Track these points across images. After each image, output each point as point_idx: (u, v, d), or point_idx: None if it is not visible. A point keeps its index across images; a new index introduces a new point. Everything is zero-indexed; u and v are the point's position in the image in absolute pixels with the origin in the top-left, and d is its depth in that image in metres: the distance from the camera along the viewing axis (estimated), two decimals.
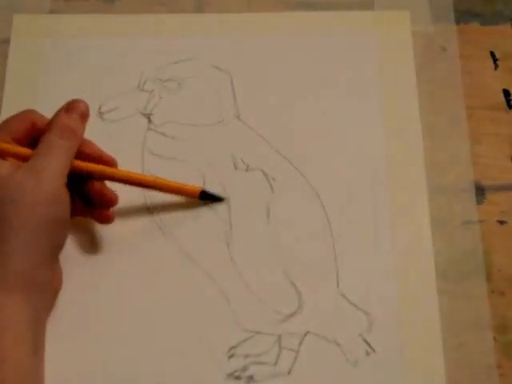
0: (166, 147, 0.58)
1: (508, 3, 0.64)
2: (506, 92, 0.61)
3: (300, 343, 0.52)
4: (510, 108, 0.61)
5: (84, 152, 0.52)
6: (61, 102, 0.59)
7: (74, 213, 0.52)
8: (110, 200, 0.53)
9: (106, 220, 0.54)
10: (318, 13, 0.63)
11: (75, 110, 0.51)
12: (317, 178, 0.57)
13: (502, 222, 0.57)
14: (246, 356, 0.52)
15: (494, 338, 0.53)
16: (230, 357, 0.52)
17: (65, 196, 0.49)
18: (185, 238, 0.55)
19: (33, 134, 0.51)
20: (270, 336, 0.52)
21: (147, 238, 0.55)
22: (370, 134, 0.59)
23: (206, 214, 0.55)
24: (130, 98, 0.60)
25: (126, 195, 0.56)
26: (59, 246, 0.50)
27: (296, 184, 0.57)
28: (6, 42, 0.61)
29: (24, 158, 0.49)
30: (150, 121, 0.59)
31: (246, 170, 0.57)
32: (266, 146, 0.58)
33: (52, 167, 0.48)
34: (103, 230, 0.55)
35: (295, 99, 0.60)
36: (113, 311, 0.53)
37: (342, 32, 0.62)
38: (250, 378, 0.51)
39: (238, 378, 0.51)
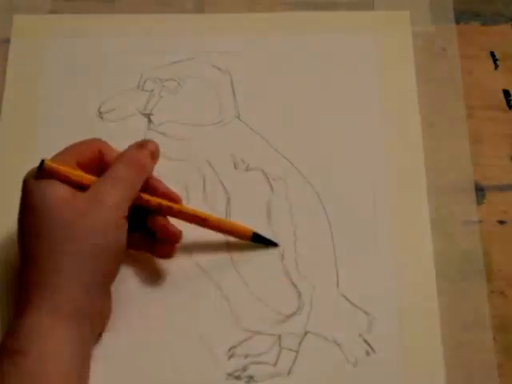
0: (165, 147, 0.58)
1: (508, 3, 0.64)
2: (505, 92, 0.61)
3: (300, 343, 0.52)
4: (509, 108, 0.61)
5: (151, 187, 0.52)
6: (61, 102, 0.59)
7: (130, 245, 0.51)
8: (173, 235, 0.52)
9: (167, 255, 0.53)
10: (318, 13, 0.63)
11: (147, 147, 0.52)
12: (317, 178, 0.57)
13: (501, 222, 0.57)
14: (246, 356, 0.52)
15: (494, 338, 0.53)
16: (230, 357, 0.52)
17: (123, 227, 0.49)
18: (185, 238, 0.55)
19: (98, 163, 0.51)
20: (270, 336, 0.52)
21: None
22: (370, 133, 0.59)
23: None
24: (130, 98, 0.60)
25: None
26: (112, 276, 0.50)
27: (296, 184, 0.57)
28: (6, 42, 0.61)
29: (85, 185, 0.49)
30: (150, 121, 0.59)
31: (246, 170, 0.57)
32: (265, 146, 0.58)
33: (115, 197, 0.48)
34: None
35: (295, 99, 0.60)
36: (112, 311, 0.53)
37: (342, 32, 0.62)
38: (250, 377, 0.51)
39: (237, 377, 0.51)
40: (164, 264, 0.54)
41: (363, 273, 0.54)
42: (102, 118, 0.59)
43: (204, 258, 0.54)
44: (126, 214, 0.49)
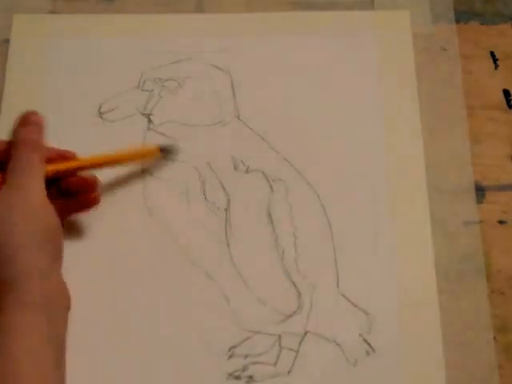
0: None
1: (508, 3, 0.64)
2: (505, 92, 0.61)
3: (300, 343, 0.52)
4: (509, 108, 0.61)
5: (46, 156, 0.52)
6: (61, 102, 0.59)
7: (62, 215, 0.52)
8: (91, 184, 0.53)
9: (95, 201, 0.54)
10: (318, 13, 0.63)
11: (31, 122, 0.52)
12: (317, 179, 0.57)
13: (501, 222, 0.57)
14: (246, 356, 0.52)
15: (494, 338, 0.53)
16: (230, 357, 0.52)
17: (50, 206, 0.50)
18: (185, 239, 0.55)
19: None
20: (270, 336, 0.52)
21: (147, 238, 0.55)
22: (369, 133, 0.59)
23: (206, 214, 0.55)
24: (130, 98, 0.60)
25: (125, 196, 0.56)
26: (60, 255, 0.50)
27: (296, 185, 0.57)
28: (6, 42, 0.61)
29: None
30: (149, 121, 0.59)
31: (247, 172, 0.57)
32: (266, 146, 0.58)
33: (32, 181, 0.49)
34: (103, 232, 0.55)
35: (295, 99, 0.60)
36: (112, 312, 0.53)
37: (342, 32, 0.62)
38: (250, 377, 0.51)
39: (237, 377, 0.51)
40: (164, 264, 0.54)
41: (363, 273, 0.54)
42: (102, 117, 0.59)
43: (204, 259, 0.54)
44: (45, 192, 0.50)
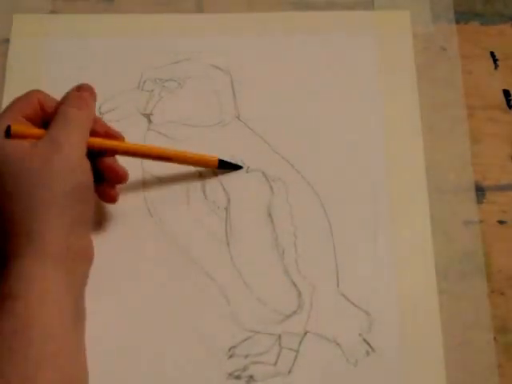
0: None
1: (508, 3, 0.64)
2: (505, 92, 0.61)
3: (300, 343, 0.52)
4: (509, 108, 0.61)
5: (93, 129, 0.52)
6: None
7: None
8: (120, 175, 0.53)
9: (111, 199, 0.54)
10: (318, 13, 0.63)
11: (85, 88, 0.53)
12: (317, 179, 0.57)
13: (501, 222, 0.57)
14: (246, 356, 0.52)
15: (494, 338, 0.53)
16: (230, 356, 0.52)
17: (87, 164, 0.50)
18: (185, 239, 0.55)
19: (41, 115, 0.52)
20: (270, 336, 0.52)
21: (147, 238, 0.55)
22: (370, 133, 0.59)
23: (206, 214, 0.55)
24: (130, 98, 0.60)
25: (125, 196, 0.56)
26: (89, 214, 0.51)
27: (296, 184, 0.57)
28: (6, 42, 0.61)
29: (38, 138, 0.49)
30: (150, 121, 0.59)
31: (247, 172, 0.57)
32: (266, 146, 0.58)
33: (73, 138, 0.49)
34: (103, 232, 0.55)
35: (295, 99, 0.60)
36: (112, 312, 0.53)
37: (342, 32, 0.62)
38: (250, 377, 0.51)
39: (238, 377, 0.51)
40: (164, 264, 0.54)
41: (363, 272, 0.54)
42: (102, 118, 0.59)
43: (204, 258, 0.54)
44: (85, 151, 0.50)
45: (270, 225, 0.55)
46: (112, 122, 0.58)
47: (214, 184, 0.56)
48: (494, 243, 0.56)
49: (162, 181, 0.57)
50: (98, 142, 0.52)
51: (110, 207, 0.56)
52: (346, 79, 0.61)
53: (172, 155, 0.55)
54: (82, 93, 0.52)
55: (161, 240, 0.55)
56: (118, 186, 0.54)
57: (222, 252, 0.54)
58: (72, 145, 0.49)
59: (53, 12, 0.63)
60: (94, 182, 0.51)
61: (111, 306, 0.53)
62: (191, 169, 0.57)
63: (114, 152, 0.53)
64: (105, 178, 0.53)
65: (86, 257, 0.51)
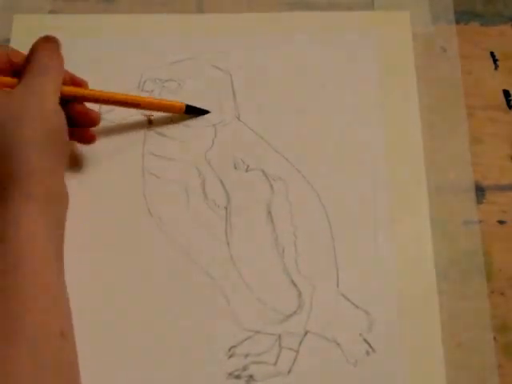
0: (166, 147, 0.58)
1: (508, 3, 0.64)
2: (505, 92, 0.61)
3: (300, 343, 0.52)
4: (509, 108, 0.61)
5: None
6: None
7: None
8: (93, 118, 0.55)
9: (90, 139, 0.56)
10: (318, 13, 0.63)
11: (52, 39, 0.54)
12: (317, 178, 0.57)
13: (501, 222, 0.57)
14: (246, 355, 0.52)
15: (494, 338, 0.53)
16: (230, 356, 0.52)
17: (61, 111, 0.52)
18: (185, 238, 0.55)
19: (10, 67, 0.54)
20: (270, 336, 0.52)
21: (147, 238, 0.55)
22: (370, 133, 0.59)
23: (206, 213, 0.55)
24: None
25: (125, 196, 0.56)
26: (65, 158, 0.53)
27: (296, 184, 0.57)
28: (6, 42, 0.61)
29: (11, 87, 0.51)
30: (150, 121, 0.59)
31: (246, 170, 0.57)
32: (265, 145, 0.58)
33: (47, 85, 0.51)
34: (103, 232, 0.55)
35: (295, 99, 0.60)
36: (112, 312, 0.53)
37: (342, 32, 0.62)
38: (250, 377, 0.51)
39: (238, 377, 0.51)
40: (164, 263, 0.54)
41: (363, 273, 0.54)
42: (102, 118, 0.59)
43: (204, 258, 0.54)
44: (59, 98, 0.52)
45: (270, 224, 0.55)
46: (112, 122, 0.59)
47: (214, 183, 0.56)
48: (494, 243, 0.56)
49: (162, 180, 0.57)
50: (71, 90, 0.54)
51: (110, 207, 0.56)
52: (346, 79, 0.61)
53: (140, 101, 0.56)
54: (52, 43, 0.54)
55: (161, 240, 0.55)
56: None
57: (222, 252, 0.54)
58: (47, 92, 0.51)
59: (53, 12, 0.63)
60: (69, 127, 0.53)
61: (110, 306, 0.53)
62: (190, 168, 0.57)
63: (84, 99, 0.55)
64: (78, 123, 0.55)
65: (63, 200, 0.52)
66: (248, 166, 0.57)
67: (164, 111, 0.58)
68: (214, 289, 0.53)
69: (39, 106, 0.50)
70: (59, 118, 0.51)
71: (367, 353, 0.52)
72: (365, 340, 0.52)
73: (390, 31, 0.62)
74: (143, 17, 0.63)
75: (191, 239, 0.55)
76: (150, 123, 0.59)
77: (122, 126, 0.59)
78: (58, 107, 0.52)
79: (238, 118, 0.59)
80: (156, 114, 0.59)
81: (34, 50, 0.53)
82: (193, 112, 0.59)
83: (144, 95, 0.59)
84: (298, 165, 0.57)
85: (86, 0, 0.63)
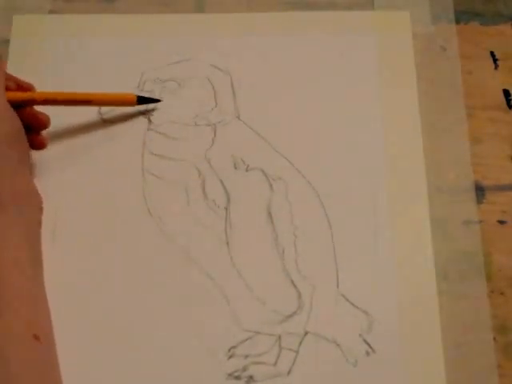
0: (165, 147, 0.58)
1: (508, 3, 0.64)
2: (505, 92, 0.61)
3: (300, 343, 0.52)
4: (510, 108, 0.61)
5: (6, 84, 0.53)
6: None
7: None
8: (43, 121, 0.54)
9: (40, 145, 0.55)
10: (318, 13, 0.63)
11: None
12: (317, 178, 0.57)
13: (501, 222, 0.57)
14: (246, 356, 0.52)
15: (494, 338, 0.53)
16: (230, 357, 0.52)
17: (12, 111, 0.51)
18: (185, 238, 0.55)
19: None
20: (270, 336, 0.52)
21: (147, 238, 0.55)
22: (370, 133, 0.59)
23: (206, 213, 0.55)
24: None
25: (125, 196, 0.56)
26: (27, 157, 0.52)
27: (296, 184, 0.57)
28: (6, 42, 0.61)
29: None
30: (149, 121, 0.59)
31: (246, 170, 0.57)
32: (265, 145, 0.58)
33: None
34: (103, 232, 0.55)
35: (295, 99, 0.60)
36: (112, 312, 0.53)
37: (342, 32, 0.62)
38: (250, 377, 0.51)
39: (237, 377, 0.51)
40: (164, 264, 0.54)
41: (363, 273, 0.54)
42: (102, 118, 0.59)
43: (204, 258, 0.54)
44: (6, 99, 0.51)
45: (269, 224, 0.55)
46: (112, 122, 0.59)
47: (214, 183, 0.56)
48: (494, 243, 0.56)
49: (162, 180, 0.57)
50: (17, 95, 0.53)
51: (110, 207, 0.56)
52: (346, 79, 0.61)
53: (91, 98, 0.56)
54: None
55: (161, 240, 0.55)
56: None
57: (221, 252, 0.55)
58: None
59: (53, 12, 0.63)
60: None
61: (110, 306, 0.53)
62: (190, 168, 0.57)
63: (32, 102, 0.54)
64: (29, 127, 0.54)
65: (34, 201, 0.52)
66: (248, 166, 0.57)
67: (117, 105, 0.58)
68: (213, 289, 0.53)
69: None
70: (13, 119, 0.51)
71: (367, 353, 0.52)
72: (364, 340, 0.52)
73: (389, 31, 0.62)
74: (143, 17, 0.63)
75: (191, 239, 0.55)
76: (150, 123, 0.59)
77: (122, 126, 0.59)
78: (9, 108, 0.51)
79: (238, 118, 0.59)
80: (157, 115, 0.59)
81: None
82: (145, 102, 0.58)
83: (144, 95, 0.59)
84: (298, 165, 0.57)
85: (86, 0, 0.63)
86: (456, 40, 0.62)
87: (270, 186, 0.57)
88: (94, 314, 0.52)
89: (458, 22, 0.63)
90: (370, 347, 0.52)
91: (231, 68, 0.61)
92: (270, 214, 0.56)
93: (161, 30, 0.62)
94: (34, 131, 0.54)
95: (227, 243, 0.55)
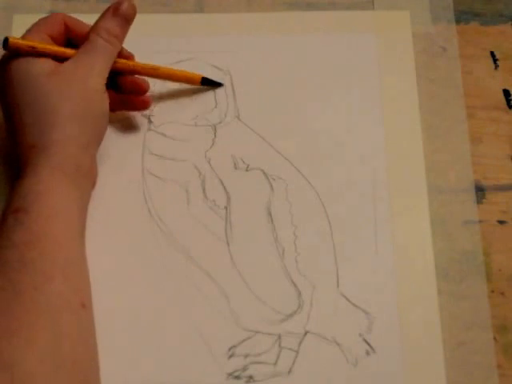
0: (165, 147, 0.58)
1: (508, 3, 0.64)
2: (506, 92, 0.61)
3: (300, 343, 0.52)
4: (510, 108, 0.61)
5: None
6: None
7: (112, 108, 0.55)
8: (143, 87, 0.56)
9: (145, 104, 0.58)
10: (318, 13, 0.63)
11: (121, 12, 0.55)
12: (317, 178, 0.57)
13: (501, 222, 0.57)
14: (246, 356, 0.52)
15: (494, 338, 0.53)
16: (230, 356, 0.52)
17: (106, 94, 0.53)
18: (185, 238, 0.55)
19: (66, 36, 0.55)
20: (270, 336, 0.52)
21: (147, 238, 0.55)
22: (370, 133, 0.59)
23: (206, 212, 0.55)
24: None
25: (125, 196, 0.56)
26: (100, 138, 0.54)
27: (296, 184, 0.57)
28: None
29: (65, 59, 0.53)
30: (150, 121, 0.59)
31: (246, 170, 0.57)
32: (265, 145, 0.58)
33: (97, 65, 0.53)
34: (103, 232, 0.55)
35: (295, 99, 0.60)
36: (112, 311, 0.53)
37: (342, 32, 0.62)
38: (250, 377, 0.51)
39: (237, 377, 0.51)
40: (164, 263, 0.54)
41: (363, 273, 0.54)
42: None
43: (204, 258, 0.54)
44: (105, 81, 0.53)
45: (269, 224, 0.55)
46: (112, 122, 0.58)
47: (214, 183, 0.56)
48: (494, 243, 0.56)
49: (162, 180, 0.57)
50: (124, 63, 0.56)
51: (110, 207, 0.56)
52: (346, 79, 0.61)
53: (165, 73, 0.58)
54: (116, 23, 0.54)
55: (161, 240, 0.55)
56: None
57: (221, 251, 0.55)
58: (96, 73, 0.52)
59: (53, 12, 0.63)
60: (121, 96, 0.56)
61: (110, 306, 0.53)
62: (190, 168, 0.57)
63: (134, 71, 0.56)
64: (130, 92, 0.57)
65: (92, 177, 0.54)
66: (248, 166, 0.57)
67: (182, 81, 0.59)
68: (213, 289, 0.53)
69: (83, 84, 0.51)
70: (101, 99, 0.53)
71: (367, 353, 0.52)
72: (364, 340, 0.52)
73: (390, 31, 0.62)
74: (143, 17, 0.63)
75: (191, 239, 0.55)
76: (150, 123, 0.59)
77: (122, 126, 0.59)
78: (102, 88, 0.53)
79: (238, 118, 0.59)
80: (157, 115, 0.59)
81: (96, 24, 0.54)
82: (208, 84, 0.59)
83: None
84: (298, 164, 0.57)
85: (85, 0, 0.63)
86: (456, 40, 0.62)
87: (270, 185, 0.57)
88: (94, 314, 0.52)
89: (458, 22, 0.63)
90: (370, 347, 0.52)
91: (231, 68, 0.61)
92: (270, 214, 0.56)
93: (161, 30, 0.62)
94: (134, 94, 0.57)
95: (227, 243, 0.55)
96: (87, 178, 0.52)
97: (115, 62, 0.55)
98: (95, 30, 0.54)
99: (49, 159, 0.49)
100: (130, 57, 0.57)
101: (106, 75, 0.53)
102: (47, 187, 0.49)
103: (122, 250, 0.55)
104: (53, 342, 0.44)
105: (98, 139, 0.54)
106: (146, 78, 0.57)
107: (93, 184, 0.54)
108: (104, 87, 0.53)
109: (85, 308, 0.47)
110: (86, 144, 0.52)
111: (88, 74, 0.52)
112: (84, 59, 0.52)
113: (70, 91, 0.51)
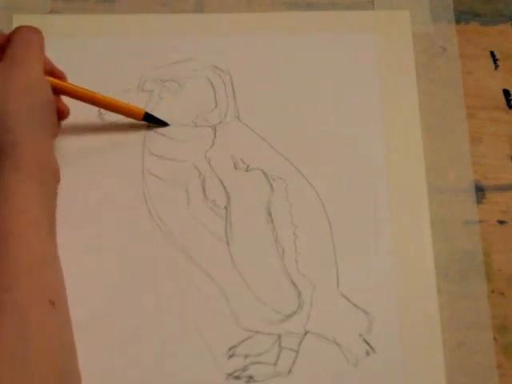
0: (166, 147, 0.58)
1: (508, 3, 0.64)
2: (506, 92, 0.61)
3: (300, 343, 0.52)
4: (510, 108, 0.61)
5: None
6: None
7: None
8: (62, 112, 0.55)
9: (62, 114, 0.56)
10: (318, 13, 0.63)
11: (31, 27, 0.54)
12: (317, 178, 0.57)
13: (501, 222, 0.57)
14: (246, 356, 0.52)
15: (494, 338, 0.53)
16: (230, 357, 0.52)
17: (46, 81, 0.52)
18: (185, 238, 0.55)
19: None
20: (270, 336, 0.52)
21: (147, 238, 0.55)
22: (370, 133, 0.59)
23: (206, 213, 0.55)
24: (130, 98, 0.60)
25: (125, 196, 0.56)
26: (54, 128, 0.53)
27: (296, 184, 0.57)
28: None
29: None
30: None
31: (246, 170, 0.57)
32: (265, 145, 0.58)
33: (31, 56, 0.52)
34: (103, 232, 0.55)
35: (295, 99, 0.60)
36: (112, 311, 0.53)
37: (342, 32, 0.62)
38: (250, 377, 0.51)
39: (237, 377, 0.51)
40: (164, 263, 0.54)
41: (363, 273, 0.54)
42: (102, 118, 0.59)
43: (204, 258, 0.54)
44: (43, 70, 0.52)
45: (270, 224, 0.55)
46: (112, 122, 0.58)
47: (214, 183, 0.56)
48: (494, 243, 0.56)
49: (162, 180, 0.57)
50: (54, 81, 0.54)
51: (110, 207, 0.56)
52: (346, 79, 0.61)
53: (106, 101, 0.56)
54: (33, 26, 0.54)
55: (161, 240, 0.55)
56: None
57: (221, 251, 0.55)
58: (30, 64, 0.51)
59: (53, 12, 0.63)
60: None
61: (110, 306, 0.53)
62: (190, 168, 0.57)
63: (61, 91, 0.55)
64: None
65: (54, 172, 0.52)
66: (248, 166, 0.57)
67: (124, 115, 0.58)
68: (213, 289, 0.53)
69: (24, 77, 0.50)
70: (45, 89, 0.52)
71: (367, 353, 0.52)
72: (365, 340, 0.52)
73: (390, 31, 0.62)
74: (143, 17, 0.63)
75: (191, 239, 0.55)
76: (149, 123, 0.59)
77: (122, 126, 0.59)
78: (43, 78, 0.52)
79: (238, 118, 0.59)
80: (157, 115, 0.59)
81: (16, 28, 0.53)
82: (151, 121, 0.58)
83: (144, 95, 0.59)
84: (298, 165, 0.57)
85: (85, 0, 0.63)
86: (456, 40, 0.62)
87: (270, 185, 0.57)
88: (94, 314, 0.52)
89: (458, 22, 0.63)
90: (370, 347, 0.52)
91: (231, 68, 0.61)
92: (270, 214, 0.56)
93: (161, 29, 0.62)
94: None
95: (227, 243, 0.55)
96: (49, 174, 0.51)
97: (57, 81, 0.54)
98: (17, 29, 0.53)
99: (9, 158, 0.49)
100: (62, 76, 0.56)
101: (42, 64, 0.52)
102: (10, 187, 0.48)
103: (122, 250, 0.55)
104: (21, 340, 0.43)
105: (51, 133, 0.53)
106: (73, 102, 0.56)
107: (57, 179, 0.53)
108: (44, 77, 0.52)
109: (54, 305, 0.47)
110: (40, 139, 0.51)
111: (25, 66, 0.51)
112: (17, 53, 0.51)
113: (10, 88, 0.50)
